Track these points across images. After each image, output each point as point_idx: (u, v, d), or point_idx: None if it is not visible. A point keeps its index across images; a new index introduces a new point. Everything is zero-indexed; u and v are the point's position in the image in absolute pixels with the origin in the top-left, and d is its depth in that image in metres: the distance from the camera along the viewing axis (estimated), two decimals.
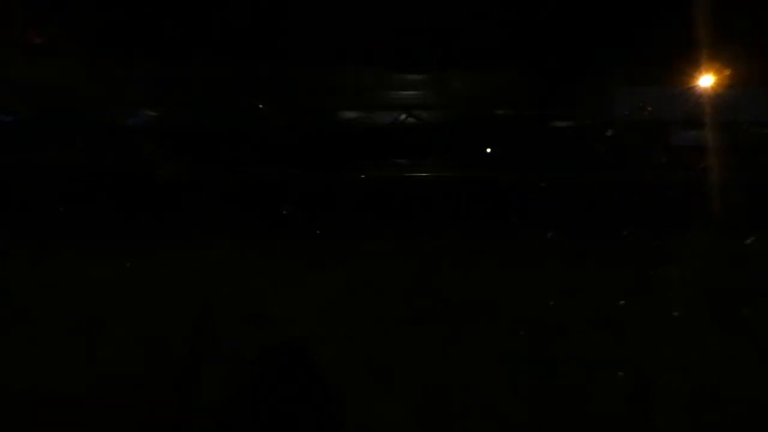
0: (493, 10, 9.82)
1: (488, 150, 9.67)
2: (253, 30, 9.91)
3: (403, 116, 10.03)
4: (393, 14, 9.81)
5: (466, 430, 3.23)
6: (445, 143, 9.59)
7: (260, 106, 9.90)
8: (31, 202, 7.24)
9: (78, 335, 4.18)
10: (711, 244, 6.24)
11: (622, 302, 4.80)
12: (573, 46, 10.17)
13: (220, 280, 5.07)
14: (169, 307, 4.61)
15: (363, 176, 8.20)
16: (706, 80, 9.85)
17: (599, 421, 3.25)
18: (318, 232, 6.59)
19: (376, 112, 10.26)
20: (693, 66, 9.89)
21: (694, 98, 9.85)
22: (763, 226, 6.26)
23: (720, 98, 9.60)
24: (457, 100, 10.80)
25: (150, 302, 4.74)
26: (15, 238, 6.37)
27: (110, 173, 7.89)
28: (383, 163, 8.81)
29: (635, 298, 4.86)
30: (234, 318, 4.39)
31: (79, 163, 8.23)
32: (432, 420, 3.28)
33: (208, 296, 4.67)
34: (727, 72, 9.80)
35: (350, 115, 10.47)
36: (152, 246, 6.14)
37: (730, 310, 4.68)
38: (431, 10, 9.84)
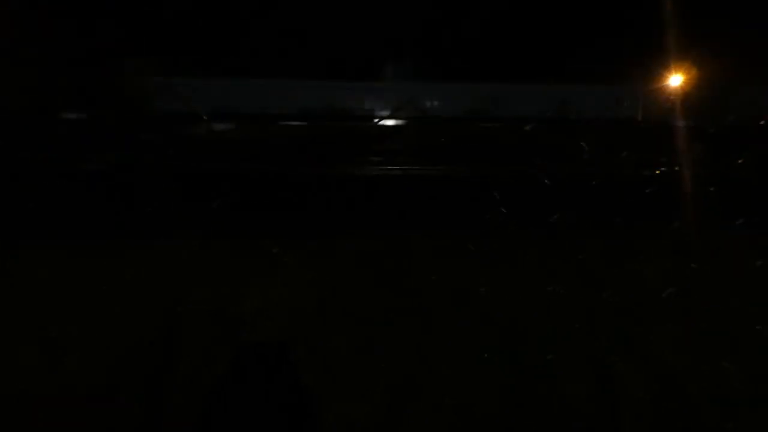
0: None
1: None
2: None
3: None
4: None
5: (437, 427, 3.22)
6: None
7: (204, 117, 9.80)
8: None
9: (41, 338, 4.04)
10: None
11: (591, 294, 4.90)
12: None
13: (188, 280, 4.96)
14: (135, 308, 4.49)
15: (330, 175, 8.16)
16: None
17: (567, 417, 3.30)
18: (287, 231, 6.51)
19: None
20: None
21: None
22: None
23: None
24: None
25: (115, 303, 4.61)
26: None
27: (71, 171, 7.60)
28: (353, 161, 8.79)
29: (604, 290, 4.96)
30: (202, 318, 4.30)
31: (40, 161, 7.89)
32: (403, 417, 3.27)
33: (175, 296, 4.56)
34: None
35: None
36: (118, 245, 5.96)
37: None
38: None
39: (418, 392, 3.48)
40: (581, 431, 3.20)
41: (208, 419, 3.14)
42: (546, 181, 7.24)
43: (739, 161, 8.21)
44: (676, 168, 7.96)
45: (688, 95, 10.85)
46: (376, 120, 10.83)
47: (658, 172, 8.05)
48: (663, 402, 3.40)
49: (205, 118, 9.79)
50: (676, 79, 11.07)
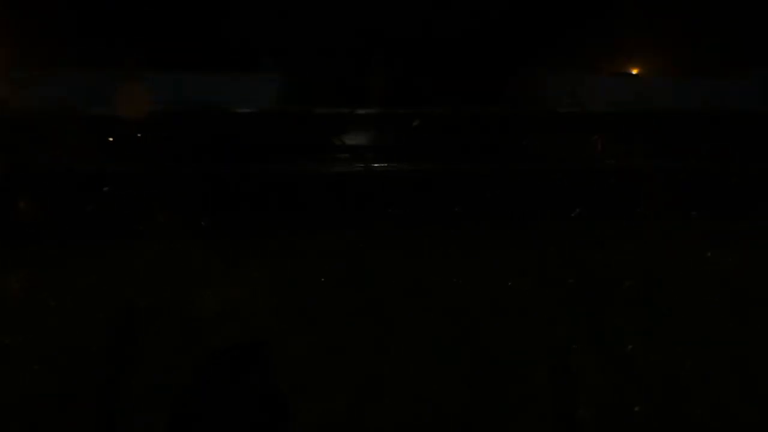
0: None
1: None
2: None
3: None
4: None
5: (400, 422, 3.23)
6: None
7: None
8: None
9: None
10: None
11: (550, 287, 4.97)
12: None
13: (143, 281, 4.87)
14: (89, 313, 4.36)
15: (287, 171, 8.10)
16: None
17: (529, 407, 3.34)
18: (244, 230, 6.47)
19: None
20: None
21: None
22: None
23: None
24: None
25: (70, 308, 4.49)
26: None
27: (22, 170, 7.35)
28: (309, 157, 8.72)
29: (563, 282, 5.04)
30: (160, 321, 4.21)
31: None
32: (366, 413, 3.26)
33: (130, 299, 4.46)
34: None
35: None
36: (70, 247, 5.81)
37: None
38: None
39: (382, 389, 3.49)
40: (539, 418, 3.25)
41: (171, 423, 3.09)
42: (508, 176, 7.36)
43: (700, 151, 8.43)
44: (633, 159, 8.14)
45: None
46: (342, 113, 10.75)
47: (613, 162, 8.23)
48: (620, 388, 3.48)
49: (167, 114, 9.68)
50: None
